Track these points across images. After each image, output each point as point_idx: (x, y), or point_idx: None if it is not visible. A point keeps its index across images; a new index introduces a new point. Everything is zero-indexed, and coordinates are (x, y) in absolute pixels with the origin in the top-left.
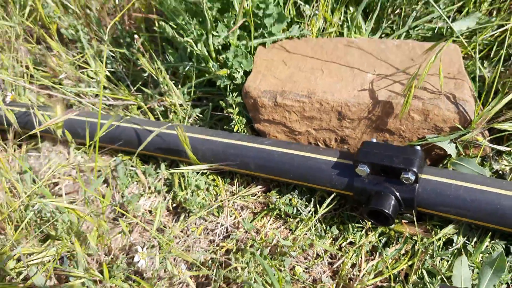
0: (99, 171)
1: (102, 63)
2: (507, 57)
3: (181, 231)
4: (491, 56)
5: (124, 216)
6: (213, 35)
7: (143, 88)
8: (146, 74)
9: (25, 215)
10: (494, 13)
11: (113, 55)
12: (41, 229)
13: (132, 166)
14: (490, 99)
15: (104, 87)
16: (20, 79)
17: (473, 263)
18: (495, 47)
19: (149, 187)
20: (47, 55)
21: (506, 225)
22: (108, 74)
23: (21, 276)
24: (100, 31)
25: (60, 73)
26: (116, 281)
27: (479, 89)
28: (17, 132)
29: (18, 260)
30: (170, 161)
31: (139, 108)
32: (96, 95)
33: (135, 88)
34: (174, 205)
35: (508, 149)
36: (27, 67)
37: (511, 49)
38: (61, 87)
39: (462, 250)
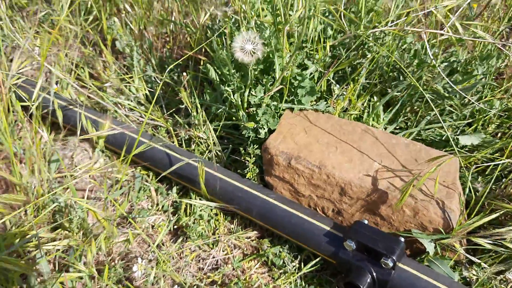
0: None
1: (145, 82)
2: (500, 177)
3: (176, 252)
4: (487, 173)
5: (130, 225)
6: (250, 92)
7: (176, 115)
8: (183, 106)
9: (49, 204)
10: (499, 135)
11: (156, 76)
12: (58, 222)
13: (147, 182)
14: (473, 214)
15: (141, 104)
16: (67, 75)
17: None
18: (491, 166)
19: (157, 205)
20: (96, 60)
21: None
22: (147, 93)
23: (28, 256)
24: (150, 53)
25: (106, 81)
26: (109, 282)
27: (469, 199)
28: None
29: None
30: (181, 186)
31: (167, 131)
32: (131, 109)
33: (169, 112)
34: (175, 226)
35: (479, 261)
36: (76, 66)
37: (505, 171)
38: (104, 94)
39: None
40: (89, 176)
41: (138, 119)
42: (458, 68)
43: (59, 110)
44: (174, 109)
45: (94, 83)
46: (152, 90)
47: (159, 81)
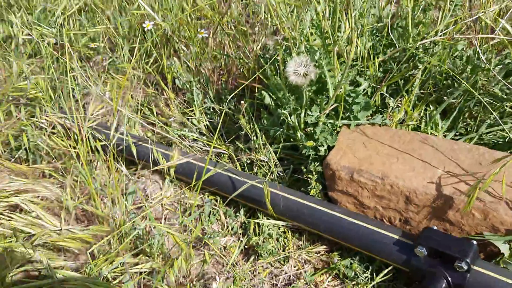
0: (184, 207)
1: (205, 114)
2: None
3: (250, 271)
4: None
5: (204, 247)
6: (306, 113)
7: (236, 142)
8: (243, 132)
9: (130, 232)
10: None
11: (214, 108)
12: (140, 247)
13: (215, 206)
14: None
15: (203, 134)
16: (134, 114)
17: None
18: None
19: (227, 227)
20: (159, 99)
21: None
22: (208, 123)
23: (116, 280)
24: (207, 87)
25: (170, 117)
26: None
27: None
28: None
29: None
30: (248, 208)
31: (229, 157)
32: (194, 140)
33: (229, 140)
34: (246, 246)
35: None
36: (141, 105)
37: None
38: (169, 128)
39: None
40: (162, 205)
41: (201, 149)
42: None
43: (133, 145)
44: (233, 136)
45: (159, 119)
46: (211, 120)
47: (218, 112)
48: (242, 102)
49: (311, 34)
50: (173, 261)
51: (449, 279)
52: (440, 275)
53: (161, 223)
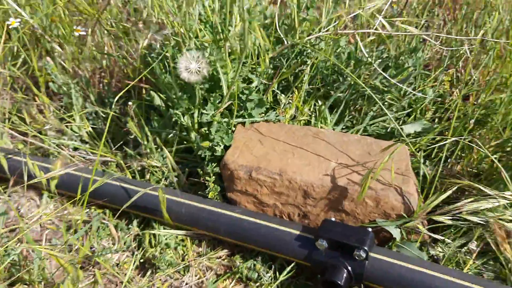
0: (68, 225)
1: (87, 120)
2: (444, 159)
3: (147, 286)
4: (432, 156)
5: (94, 267)
6: (201, 112)
7: (125, 147)
8: (132, 136)
9: (3, 258)
10: (436, 120)
11: (97, 113)
12: (17, 275)
13: (104, 220)
14: (430, 194)
15: (85, 142)
16: (1, 124)
17: None
18: (435, 149)
19: (119, 242)
20: (30, 105)
21: None
22: (91, 130)
23: None
24: (88, 90)
25: (45, 124)
26: None
27: (421, 183)
28: None
29: None
30: (141, 218)
31: (117, 165)
32: (76, 149)
33: (116, 146)
34: (141, 260)
35: (442, 238)
36: (9, 113)
37: (449, 152)
38: (45, 137)
39: None
40: (40, 224)
41: (84, 158)
42: (390, 64)
43: (3, 159)
44: (121, 142)
45: (33, 128)
46: (94, 126)
47: (101, 116)
48: (130, 103)
49: (200, 30)
50: (58, 287)
51: (349, 268)
52: (341, 266)
53: (41, 244)
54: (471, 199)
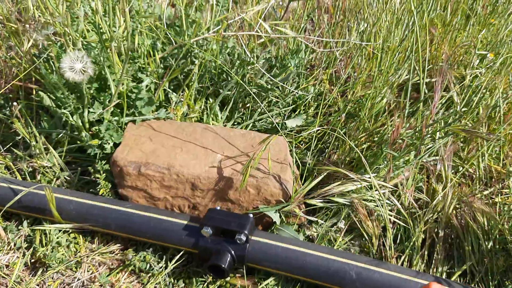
0: None
1: None
2: (323, 149)
3: (37, 285)
4: (313, 148)
5: None
6: (89, 110)
7: (14, 149)
8: (20, 137)
9: None
10: (318, 115)
11: None
12: None
13: None
14: (306, 181)
15: None
16: None
17: None
18: (315, 141)
19: (9, 243)
20: None
21: (309, 276)
22: None
23: None
24: None
25: None
26: None
27: (302, 172)
28: None
29: None
30: (33, 219)
31: (6, 167)
32: None
33: (5, 148)
34: (32, 260)
35: (316, 219)
36: None
37: (327, 143)
38: None
39: None
40: None
41: None
42: (276, 64)
43: None
44: (10, 144)
45: None
46: None
47: None
48: (15, 104)
49: (88, 31)
50: None
51: (232, 252)
52: (224, 250)
53: None
54: (339, 183)
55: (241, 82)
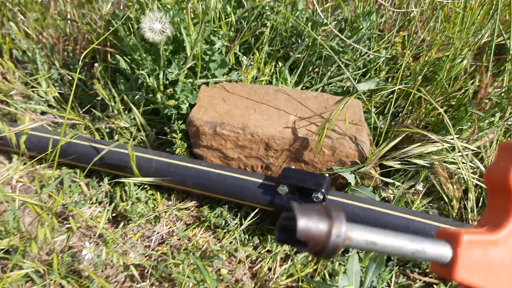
0: (41, 181)
1: (53, 85)
2: (396, 114)
3: (120, 236)
4: (385, 112)
5: (68, 220)
6: (165, 71)
7: (93, 110)
8: (99, 99)
9: None
10: (390, 79)
11: (64, 78)
12: None
13: (75, 179)
14: (381, 142)
15: (52, 107)
16: None
17: (363, 266)
18: (388, 105)
19: (91, 198)
20: None
21: None
22: (57, 95)
23: None
24: (53, 56)
25: (10, 90)
26: (58, 278)
27: (374, 136)
28: None
29: None
30: (112, 176)
31: (86, 127)
32: (43, 113)
33: (84, 110)
34: (113, 214)
35: (392, 181)
36: None
37: (399, 108)
38: (11, 101)
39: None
40: (11, 187)
41: (52, 122)
42: (346, 27)
43: None
44: (88, 106)
45: None
46: (61, 91)
47: (67, 82)
48: (96, 65)
49: None
50: (36, 234)
51: None
52: None
53: (13, 200)
54: (418, 144)
55: (318, 38)
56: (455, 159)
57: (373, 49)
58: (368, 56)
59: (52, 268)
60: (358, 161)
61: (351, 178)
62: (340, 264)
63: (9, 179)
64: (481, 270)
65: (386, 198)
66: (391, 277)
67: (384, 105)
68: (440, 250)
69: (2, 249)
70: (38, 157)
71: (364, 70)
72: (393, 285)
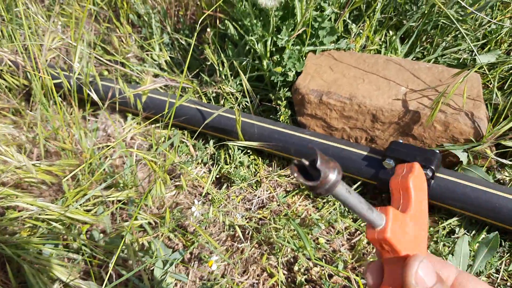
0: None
1: (165, 49)
2: None
3: (223, 197)
4: (505, 88)
5: (177, 178)
6: (275, 37)
7: (201, 74)
8: (208, 63)
9: (101, 164)
10: None
11: (175, 43)
12: (112, 180)
13: (183, 140)
14: (500, 121)
15: (164, 70)
16: (91, 51)
17: (471, 249)
18: (509, 80)
19: (197, 159)
20: (112, 36)
21: (501, 220)
22: (169, 59)
23: (90, 213)
24: (165, 21)
25: (127, 53)
26: (166, 231)
27: (493, 114)
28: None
29: (86, 201)
30: (217, 139)
31: (194, 91)
32: (156, 75)
33: (192, 74)
34: (218, 176)
35: (510, 162)
36: (94, 43)
37: None
38: (128, 63)
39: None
40: (125, 143)
41: (163, 86)
42: None
43: (99, 80)
44: (197, 70)
45: (115, 58)
46: (172, 56)
47: (178, 46)
48: (208, 30)
49: None
50: (150, 188)
51: None
52: None
53: (130, 155)
54: None
55: (438, 3)
56: None
57: (495, 18)
58: (489, 26)
59: (164, 221)
60: (473, 139)
61: (463, 157)
62: (444, 245)
63: (125, 137)
64: (399, 235)
65: (501, 181)
66: (501, 263)
67: (504, 80)
68: (380, 217)
69: (121, 201)
70: (153, 118)
71: (484, 41)
72: (502, 272)
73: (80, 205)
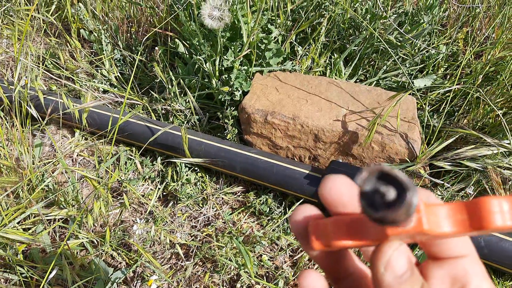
0: (99, 157)
1: (115, 65)
2: (452, 113)
3: (169, 214)
4: (440, 110)
5: (121, 196)
6: (221, 58)
7: (151, 91)
8: (157, 81)
9: (42, 181)
10: (448, 77)
11: (126, 59)
12: (52, 197)
13: (130, 156)
14: (433, 141)
15: (113, 86)
16: (37, 66)
17: None
18: (444, 103)
19: (144, 176)
20: (61, 50)
21: None
22: (119, 75)
23: (28, 232)
24: (116, 37)
25: (76, 68)
26: (109, 249)
27: (426, 135)
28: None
29: (24, 218)
30: (165, 156)
31: (143, 108)
32: (105, 91)
33: (142, 90)
34: (164, 193)
35: (442, 182)
36: (43, 57)
37: (456, 107)
38: (77, 79)
39: None
40: (72, 160)
41: (113, 101)
42: (406, 20)
43: (42, 95)
44: (147, 87)
45: (64, 73)
46: (122, 72)
47: (129, 63)
48: (156, 48)
49: None
50: (91, 207)
51: None
52: None
53: (71, 172)
54: (472, 146)
55: (375, 33)
56: (510, 165)
57: (433, 44)
58: (427, 51)
59: (104, 240)
60: (408, 159)
61: None
62: None
63: (71, 152)
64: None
65: None
66: None
67: (440, 103)
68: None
69: (61, 218)
70: (99, 134)
71: (421, 65)
72: None
73: (18, 223)
